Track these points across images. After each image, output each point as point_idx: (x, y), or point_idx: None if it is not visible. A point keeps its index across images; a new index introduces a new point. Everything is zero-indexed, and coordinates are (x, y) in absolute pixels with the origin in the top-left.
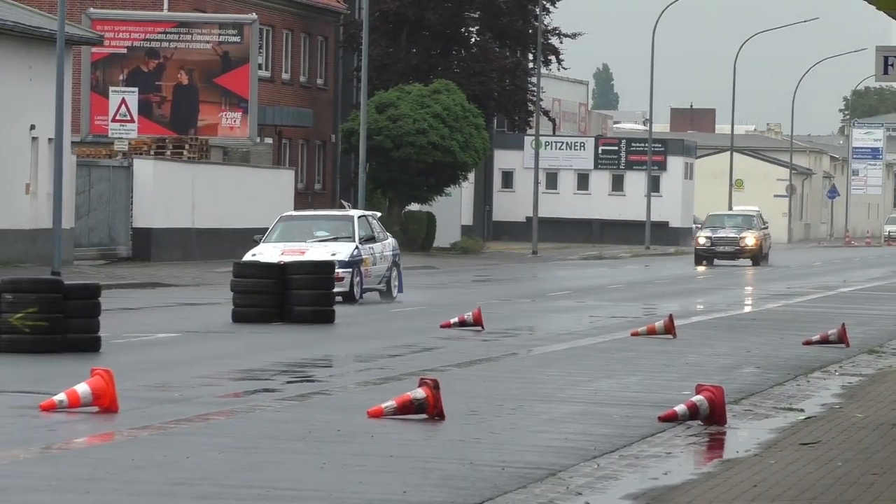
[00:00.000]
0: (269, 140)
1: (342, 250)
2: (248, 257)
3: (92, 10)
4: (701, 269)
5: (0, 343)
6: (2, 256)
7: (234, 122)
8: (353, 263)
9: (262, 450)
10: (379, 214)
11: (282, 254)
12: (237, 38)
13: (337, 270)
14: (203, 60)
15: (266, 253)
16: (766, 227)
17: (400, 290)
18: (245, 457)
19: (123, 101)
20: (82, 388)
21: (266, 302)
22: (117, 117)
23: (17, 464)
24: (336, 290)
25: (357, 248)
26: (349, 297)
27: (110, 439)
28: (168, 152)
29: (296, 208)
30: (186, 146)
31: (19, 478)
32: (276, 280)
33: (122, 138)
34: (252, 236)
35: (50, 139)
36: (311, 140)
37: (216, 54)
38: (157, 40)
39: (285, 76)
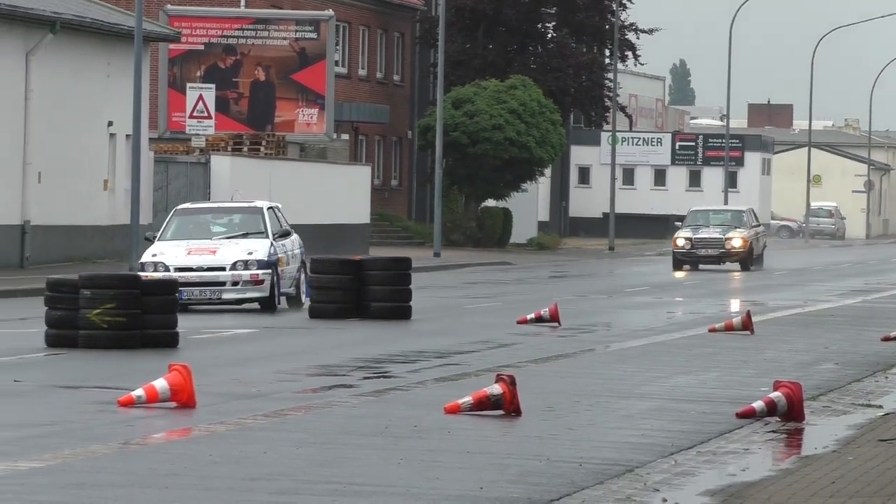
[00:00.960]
0: (345, 136)
1: (258, 248)
2: (147, 258)
3: (169, 6)
4: (680, 274)
5: (78, 339)
6: (80, 252)
7: (311, 118)
8: (272, 264)
9: (338, 445)
10: (281, 205)
11: (188, 254)
12: (314, 35)
13: (255, 272)
14: (280, 57)
15: (168, 253)
16: (759, 226)
17: (307, 295)
18: (322, 452)
19: (201, 97)
20: (160, 384)
21: (342, 298)
22: (194, 114)
23: (95, 459)
24: (252, 295)
25: (272, 244)
26: (269, 305)
27: (188, 435)
28: (245, 149)
29: (372, 205)
30: (263, 142)
31: (97, 473)
32: (353, 276)
33: (199, 135)
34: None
35: (128, 135)
36: (387, 136)
37: (293, 51)
38: (234, 37)
39: (362, 72)
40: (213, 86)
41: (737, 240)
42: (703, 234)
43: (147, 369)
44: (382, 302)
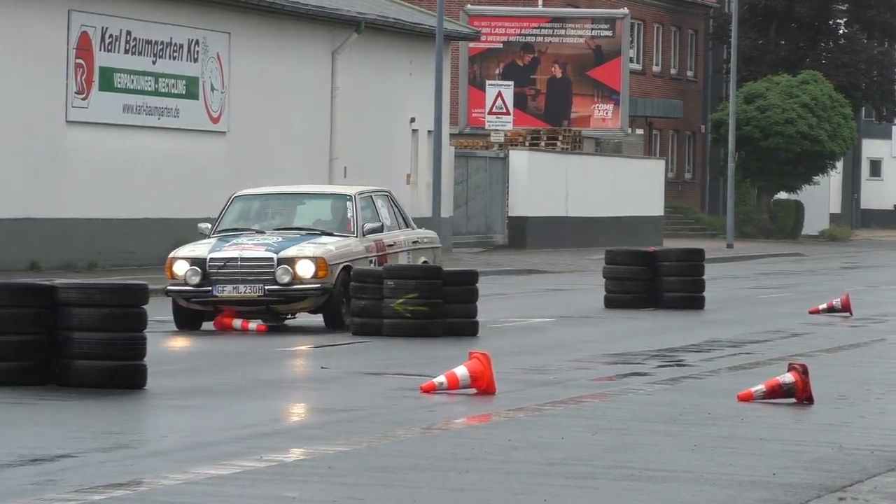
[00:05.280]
0: (640, 131)
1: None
2: None
3: (470, 6)
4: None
5: (383, 327)
6: None
7: (606, 113)
8: None
9: (633, 432)
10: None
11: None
12: (609, 32)
13: None
14: (576, 54)
15: None
16: (380, 225)
17: None
18: (617, 438)
19: (499, 94)
20: (461, 371)
21: (636, 288)
22: (493, 110)
23: (399, 443)
24: None
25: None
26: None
27: (487, 420)
28: (542, 143)
29: (666, 198)
30: (560, 137)
31: (400, 457)
32: (647, 267)
33: (498, 130)
34: None
35: (429, 131)
36: (680, 131)
37: (588, 48)
38: (531, 35)
39: (656, 69)
40: (511, 83)
41: (304, 263)
42: (232, 250)
43: (448, 357)
44: (676, 292)
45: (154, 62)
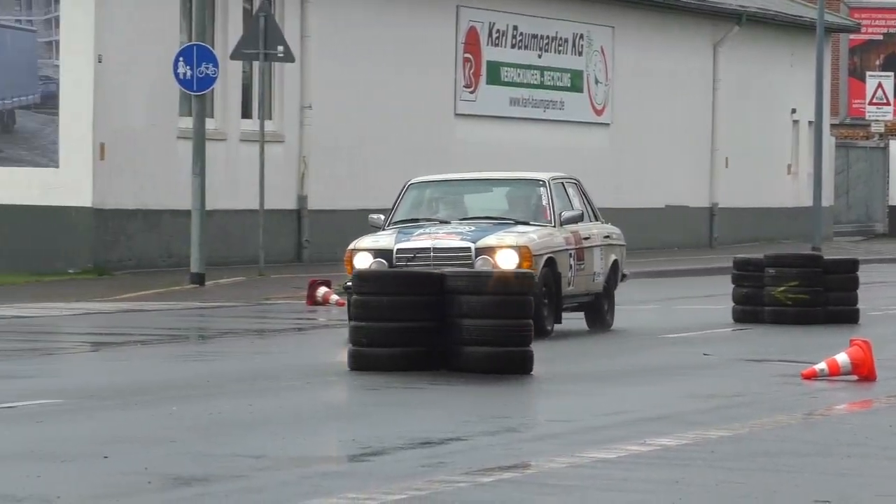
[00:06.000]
0: None
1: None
2: None
3: None
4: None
5: (764, 314)
6: (765, 233)
7: None
8: None
9: None
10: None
11: None
12: None
13: None
14: None
15: None
16: (584, 217)
17: None
18: None
19: (880, 84)
20: (842, 358)
21: None
22: (874, 100)
23: (780, 429)
24: None
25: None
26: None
27: (869, 407)
28: None
29: None
30: None
31: (782, 442)
32: None
33: (878, 120)
34: None
35: (810, 122)
36: None
37: None
38: None
39: None
40: (892, 74)
41: (506, 253)
42: (423, 240)
43: (828, 344)
44: None
45: (539, 56)
